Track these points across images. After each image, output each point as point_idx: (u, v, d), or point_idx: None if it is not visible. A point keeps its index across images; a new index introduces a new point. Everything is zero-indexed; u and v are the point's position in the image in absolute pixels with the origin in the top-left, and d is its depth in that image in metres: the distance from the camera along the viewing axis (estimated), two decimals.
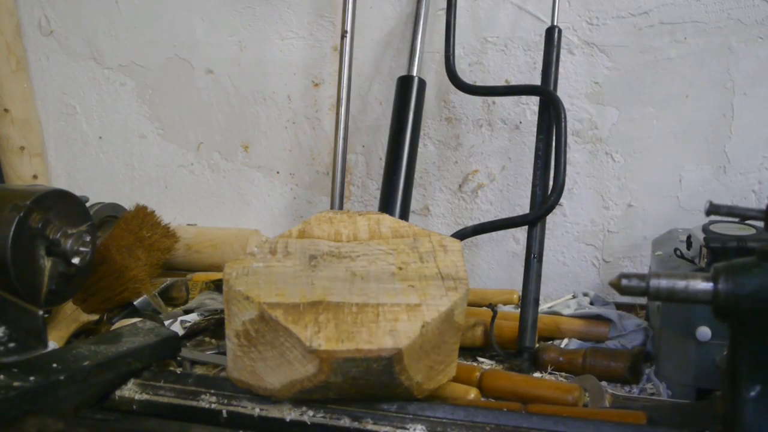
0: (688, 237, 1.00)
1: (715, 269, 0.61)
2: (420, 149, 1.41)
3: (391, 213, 1.17)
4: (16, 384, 0.78)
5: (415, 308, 0.75)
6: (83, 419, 0.80)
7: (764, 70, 1.21)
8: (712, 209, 0.77)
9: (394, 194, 1.22)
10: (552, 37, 1.19)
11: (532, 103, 1.34)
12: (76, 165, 1.69)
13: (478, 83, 1.36)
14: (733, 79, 1.22)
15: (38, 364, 0.83)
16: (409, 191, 1.24)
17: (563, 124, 1.09)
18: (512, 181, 1.38)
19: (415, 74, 1.28)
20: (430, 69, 1.39)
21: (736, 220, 0.96)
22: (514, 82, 1.35)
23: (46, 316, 0.83)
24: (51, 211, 0.98)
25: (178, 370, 1.00)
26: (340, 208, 1.30)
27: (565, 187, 1.33)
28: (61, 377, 0.81)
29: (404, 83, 1.27)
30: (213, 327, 1.18)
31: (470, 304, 1.23)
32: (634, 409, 0.83)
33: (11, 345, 0.80)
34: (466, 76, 1.34)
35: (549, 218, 1.34)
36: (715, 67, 1.23)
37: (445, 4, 1.35)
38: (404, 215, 1.22)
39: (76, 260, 1.00)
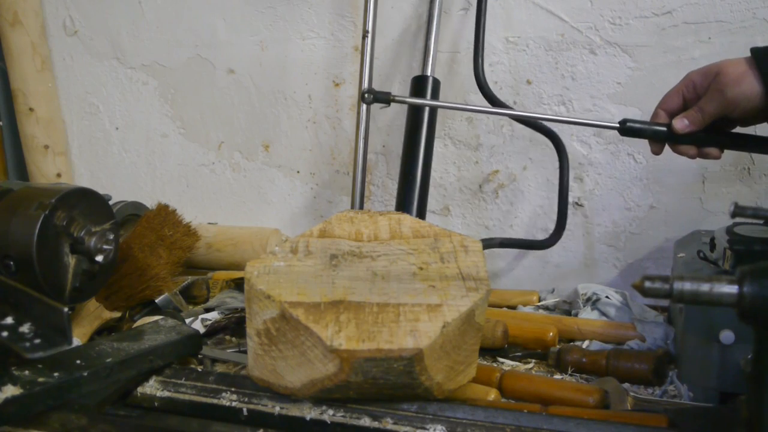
0: (712, 239, 0.98)
1: (740, 272, 0.61)
2: (440, 149, 1.41)
3: (407, 213, 1.18)
4: (40, 380, 0.79)
5: (436, 308, 0.75)
6: (106, 415, 0.81)
7: None
8: (738, 211, 0.76)
9: (411, 194, 1.22)
10: None
11: (553, 103, 1.33)
12: (99, 164, 1.71)
13: (499, 83, 1.36)
14: None
15: (62, 361, 0.84)
16: (425, 191, 1.24)
17: (566, 164, 1.26)
18: (533, 181, 1.37)
19: (429, 74, 1.28)
20: (451, 69, 1.39)
21: (761, 222, 0.95)
22: (535, 82, 1.34)
23: (70, 313, 0.84)
24: (75, 209, 0.99)
25: (199, 368, 1.01)
26: (361, 207, 1.30)
27: (587, 188, 1.33)
28: (85, 374, 0.82)
29: (418, 83, 1.28)
30: (233, 325, 1.18)
31: (490, 305, 1.22)
32: (655, 412, 0.83)
33: (36, 341, 0.81)
34: (487, 75, 1.33)
35: (569, 219, 1.33)
36: None
37: (464, 4, 1.36)
38: (421, 215, 1.22)
39: (99, 258, 1.01)
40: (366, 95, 1.11)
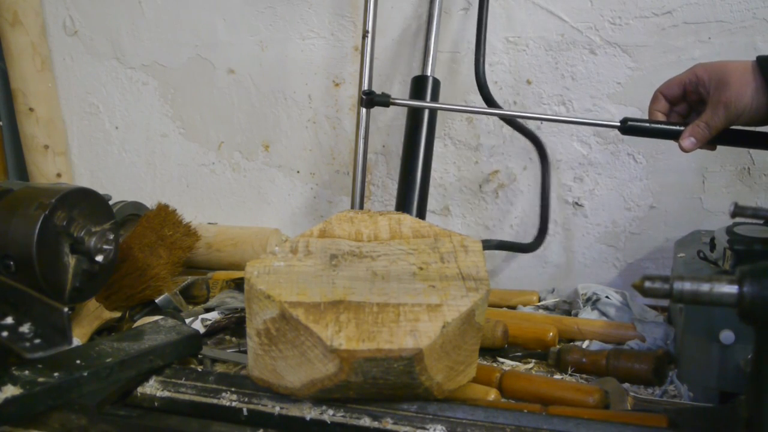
0: (712, 239, 0.98)
1: (740, 272, 0.61)
2: (440, 149, 1.41)
3: (407, 213, 1.18)
4: (40, 380, 0.79)
5: (436, 308, 0.75)
6: (106, 415, 0.81)
7: None
8: (738, 211, 0.76)
9: (411, 194, 1.22)
10: None
11: (553, 103, 1.33)
12: (99, 164, 1.71)
13: (499, 83, 1.36)
14: None
15: (62, 361, 0.84)
16: (425, 191, 1.24)
17: (548, 170, 1.29)
18: (533, 181, 1.37)
19: (429, 74, 1.28)
20: (451, 69, 1.39)
21: (761, 222, 0.95)
22: (535, 82, 1.34)
23: (70, 313, 0.84)
24: (75, 209, 0.99)
25: (199, 368, 1.01)
26: (361, 207, 1.30)
27: (587, 188, 1.33)
28: (85, 374, 0.82)
29: (418, 83, 1.28)
30: (233, 325, 1.18)
31: (490, 305, 1.22)
32: (655, 412, 0.83)
33: (36, 341, 0.82)
34: (487, 75, 1.33)
35: (569, 219, 1.34)
36: None
37: (464, 4, 1.36)
38: (421, 215, 1.22)
39: (99, 258, 1.01)
40: (365, 98, 1.11)
